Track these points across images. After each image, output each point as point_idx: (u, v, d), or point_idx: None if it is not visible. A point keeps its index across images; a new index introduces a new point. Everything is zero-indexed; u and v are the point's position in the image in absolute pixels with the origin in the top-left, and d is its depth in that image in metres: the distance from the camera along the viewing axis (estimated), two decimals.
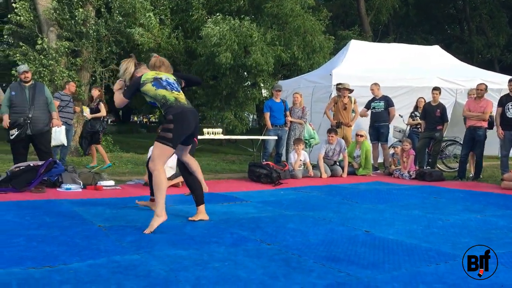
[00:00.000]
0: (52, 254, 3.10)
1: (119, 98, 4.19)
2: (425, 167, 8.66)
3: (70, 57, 11.96)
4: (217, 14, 12.85)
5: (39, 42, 11.36)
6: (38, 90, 6.80)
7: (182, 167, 4.53)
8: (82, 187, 6.25)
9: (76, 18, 11.36)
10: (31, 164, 6.10)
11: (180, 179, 6.42)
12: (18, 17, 11.49)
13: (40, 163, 6.14)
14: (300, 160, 8.21)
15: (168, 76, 4.16)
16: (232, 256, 3.20)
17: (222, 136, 8.54)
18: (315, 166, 8.50)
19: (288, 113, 9.07)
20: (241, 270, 2.90)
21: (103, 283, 2.59)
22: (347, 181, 7.77)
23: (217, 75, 14.06)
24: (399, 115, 9.75)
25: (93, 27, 11.72)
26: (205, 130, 7.96)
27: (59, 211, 4.66)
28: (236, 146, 15.73)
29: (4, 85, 13.93)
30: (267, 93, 15.50)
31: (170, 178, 6.41)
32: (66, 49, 11.51)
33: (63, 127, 7.71)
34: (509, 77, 8.90)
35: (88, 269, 2.82)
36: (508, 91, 7.77)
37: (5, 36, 17.71)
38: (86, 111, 8.79)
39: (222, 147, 17.56)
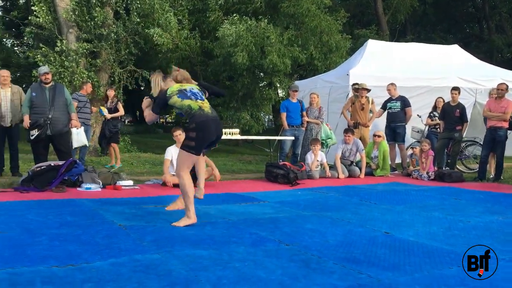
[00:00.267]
0: (74, 253, 3.14)
1: (149, 115, 4.44)
2: (444, 168, 8.55)
3: (89, 58, 12.10)
4: (234, 14, 12.89)
5: (59, 43, 11.52)
6: (58, 91, 6.90)
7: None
8: (102, 186, 6.32)
9: (95, 20, 11.49)
10: (52, 164, 6.19)
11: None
12: (38, 19, 11.67)
13: (60, 163, 6.23)
14: (317, 160, 8.18)
15: (192, 87, 4.36)
16: (251, 256, 3.20)
17: (239, 137, 8.57)
18: (332, 167, 8.46)
19: (304, 113, 9.05)
20: (261, 270, 2.91)
21: (124, 282, 2.62)
22: (365, 182, 7.72)
23: (233, 75, 14.11)
24: (418, 115, 9.65)
25: (112, 29, 11.84)
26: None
27: (80, 211, 4.72)
28: (252, 147, 15.73)
29: (24, 86, 14.16)
30: (283, 93, 15.50)
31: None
32: (85, 51, 11.65)
33: (82, 128, 7.81)
34: None
35: (110, 268, 2.85)
36: None
37: (25, 38, 18.03)
38: (105, 111, 8.88)
39: (238, 147, 17.59)
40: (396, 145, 9.13)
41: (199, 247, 3.40)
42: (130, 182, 6.63)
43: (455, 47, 12.42)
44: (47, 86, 6.82)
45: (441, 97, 9.34)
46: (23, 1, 23.00)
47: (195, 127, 4.10)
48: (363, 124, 9.07)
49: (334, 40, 13.73)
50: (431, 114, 9.41)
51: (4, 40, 19.54)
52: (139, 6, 12.06)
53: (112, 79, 12.69)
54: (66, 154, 6.78)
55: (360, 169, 8.37)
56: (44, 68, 7.05)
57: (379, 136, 8.68)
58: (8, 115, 7.18)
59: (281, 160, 8.71)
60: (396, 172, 9.04)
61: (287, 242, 3.62)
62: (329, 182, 7.56)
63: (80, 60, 11.57)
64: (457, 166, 9.22)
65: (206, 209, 4.96)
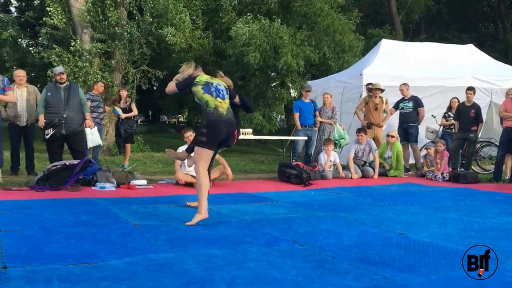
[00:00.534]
0: (90, 251, 3.17)
1: (171, 86, 4.48)
2: (459, 169, 8.46)
3: (103, 58, 12.21)
4: (248, 14, 12.90)
5: (73, 43, 11.64)
6: (73, 91, 6.96)
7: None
8: (116, 185, 6.36)
9: (110, 19, 11.58)
10: (67, 163, 6.25)
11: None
12: (52, 20, 11.80)
13: (75, 162, 6.29)
14: (330, 160, 8.15)
15: (219, 83, 4.44)
16: (265, 256, 3.20)
17: (252, 136, 8.57)
18: (345, 167, 8.42)
19: (317, 113, 9.02)
20: (276, 270, 2.90)
21: (140, 281, 2.63)
22: (378, 182, 7.67)
23: (246, 75, 14.12)
24: (432, 115, 9.57)
25: (126, 28, 11.93)
26: None
27: (95, 209, 4.76)
28: (264, 146, 15.74)
29: (39, 86, 14.32)
30: (296, 93, 15.47)
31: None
32: (99, 51, 11.75)
33: (96, 128, 7.87)
34: None
35: (126, 267, 2.87)
36: None
37: (40, 38, 18.22)
38: (120, 111, 8.94)
39: (250, 147, 17.60)
40: (409, 145, 9.06)
41: (213, 246, 3.41)
42: (144, 182, 6.67)
43: (470, 47, 12.29)
44: (62, 86, 6.89)
45: (456, 97, 9.25)
46: (38, 1, 23.27)
47: (206, 124, 4.23)
48: (376, 124, 9.01)
49: (347, 39, 13.66)
50: (446, 115, 9.32)
51: (20, 40, 19.77)
52: (152, 6, 12.14)
53: (126, 79, 12.79)
54: (81, 153, 6.85)
55: (374, 170, 8.32)
56: (59, 68, 7.13)
57: (392, 137, 8.62)
58: (24, 114, 7.28)
59: (294, 160, 8.70)
60: (410, 172, 8.97)
61: (301, 243, 3.61)
62: (343, 183, 7.53)
63: (94, 60, 11.68)
64: (472, 167, 9.11)
65: (219, 209, 4.97)
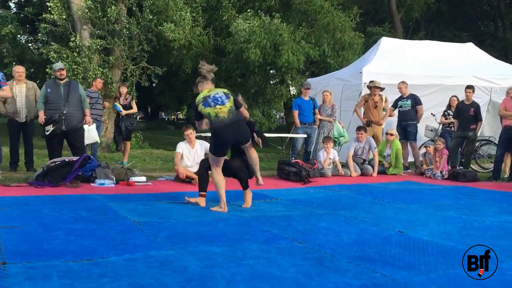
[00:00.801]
0: (90, 248, 3.17)
1: (197, 124, 4.97)
2: (458, 167, 8.47)
3: (103, 55, 12.18)
4: (248, 10, 12.88)
5: (72, 39, 11.61)
6: (73, 88, 6.94)
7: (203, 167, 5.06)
8: (115, 182, 6.37)
9: (109, 16, 11.56)
10: (66, 160, 6.25)
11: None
12: (52, 16, 11.77)
13: (75, 158, 6.29)
14: (330, 158, 8.15)
15: (217, 91, 4.70)
16: (265, 254, 3.20)
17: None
18: (345, 165, 8.43)
19: (317, 111, 9.01)
20: (275, 268, 2.91)
21: (140, 277, 2.63)
22: (378, 180, 7.67)
23: (246, 73, 14.10)
24: (431, 114, 9.57)
25: (124, 24, 11.90)
26: None
27: (94, 206, 4.76)
28: (264, 144, 15.72)
29: (38, 82, 14.29)
30: (295, 90, 15.46)
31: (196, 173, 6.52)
32: (98, 47, 11.72)
33: (94, 125, 7.85)
34: None
35: (125, 263, 2.87)
36: None
37: (39, 35, 18.18)
38: (120, 107, 8.92)
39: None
40: (408, 143, 9.06)
41: (213, 243, 3.41)
42: (143, 178, 6.67)
43: (470, 45, 12.28)
44: (61, 82, 6.87)
45: (455, 96, 9.25)
46: None
47: (212, 133, 4.73)
48: (376, 122, 9.01)
49: (347, 37, 13.65)
50: (445, 113, 9.32)
51: (19, 36, 19.70)
52: (152, 3, 12.11)
53: (125, 75, 12.76)
54: (80, 149, 6.84)
55: (373, 168, 8.33)
56: (59, 65, 7.11)
57: (391, 135, 8.62)
58: (23, 110, 7.26)
59: (293, 158, 8.70)
60: (409, 170, 8.98)
61: (300, 240, 3.61)
62: (342, 180, 7.53)
63: (93, 56, 11.65)
64: (471, 165, 9.12)
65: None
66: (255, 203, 5.10)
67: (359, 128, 8.51)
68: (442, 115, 9.38)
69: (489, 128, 10.08)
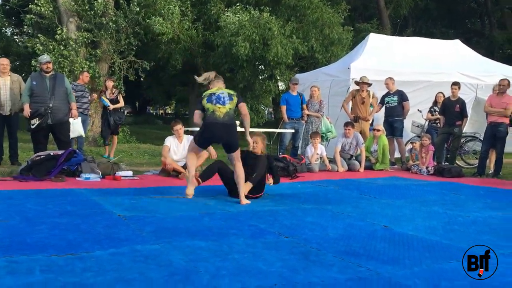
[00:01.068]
0: (74, 242, 3.14)
1: (194, 114, 5.13)
2: (443, 163, 8.56)
3: (89, 48, 12.05)
4: (237, 4, 12.83)
5: (59, 32, 11.46)
6: (59, 81, 6.87)
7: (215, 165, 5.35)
8: (101, 176, 6.31)
9: (96, 9, 11.43)
10: (51, 153, 6.18)
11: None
12: (39, 8, 11.61)
13: (60, 152, 6.23)
14: (317, 153, 8.18)
15: (223, 91, 4.95)
16: (251, 248, 3.20)
17: (239, 129, 8.51)
18: (332, 160, 8.46)
19: (305, 106, 9.03)
20: (261, 262, 2.90)
21: (125, 272, 2.61)
22: (364, 176, 7.72)
23: (234, 67, 14.07)
24: (418, 110, 9.64)
25: (112, 18, 11.78)
26: None
27: (79, 200, 4.72)
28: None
29: (24, 75, 14.11)
30: (284, 86, 15.47)
31: (183, 167, 6.55)
32: (85, 40, 11.60)
33: (79, 118, 7.78)
34: None
35: (110, 258, 2.85)
36: None
37: (25, 27, 17.92)
38: (108, 101, 8.84)
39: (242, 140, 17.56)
40: (395, 139, 9.13)
41: (199, 238, 3.40)
42: (130, 173, 6.63)
43: (457, 42, 12.40)
44: (47, 75, 6.79)
45: (441, 92, 9.33)
46: None
47: (202, 125, 4.94)
48: (363, 118, 9.05)
49: (336, 32, 13.68)
50: (432, 109, 9.40)
51: (4, 28, 19.41)
52: None
53: (112, 69, 12.65)
54: (66, 143, 6.77)
55: (360, 163, 8.37)
56: (46, 57, 7.01)
57: (378, 130, 8.67)
58: (8, 103, 7.16)
59: (281, 153, 8.71)
60: (396, 166, 9.04)
61: (286, 235, 3.61)
62: (329, 176, 7.56)
63: (79, 49, 11.53)
64: (457, 161, 9.22)
65: (205, 201, 4.97)
66: None
67: (346, 124, 8.54)
68: (428, 111, 9.46)
69: (474, 125, 10.18)
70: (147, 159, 9.37)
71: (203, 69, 15.45)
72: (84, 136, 8.45)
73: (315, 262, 2.95)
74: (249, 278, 2.60)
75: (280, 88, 15.85)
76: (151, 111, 48.16)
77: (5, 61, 7.34)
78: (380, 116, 9.48)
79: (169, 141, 6.90)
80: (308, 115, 9.04)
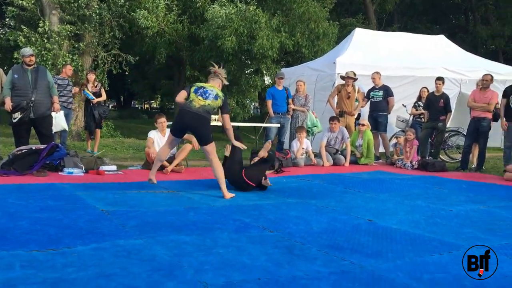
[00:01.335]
0: (55, 237, 3.10)
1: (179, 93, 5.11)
2: (427, 158, 8.64)
3: (73, 41, 11.88)
4: None
5: (41, 25, 11.27)
6: (41, 74, 6.74)
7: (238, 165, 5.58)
8: (84, 171, 6.24)
9: (79, 1, 11.26)
10: (33, 148, 6.09)
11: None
12: (20, 1, 11.39)
13: (42, 146, 6.13)
14: (303, 148, 8.19)
15: (213, 89, 4.99)
16: (235, 243, 3.19)
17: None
18: (317, 155, 8.48)
19: (290, 100, 9.02)
20: (245, 256, 2.90)
21: (107, 267, 2.58)
22: (349, 170, 7.75)
23: (220, 61, 13.99)
24: (403, 105, 9.71)
25: (96, 11, 11.62)
26: None
27: (62, 195, 4.65)
28: (238, 134, 15.69)
29: (5, 68, 13.85)
30: (270, 80, 15.45)
31: (168, 161, 6.55)
32: (68, 33, 11.42)
33: (62, 112, 7.66)
34: None
35: (92, 253, 2.82)
36: None
37: (7, 19, 17.57)
38: (91, 95, 8.72)
39: (223, 134, 17.54)
40: (379, 134, 9.18)
41: (183, 232, 3.38)
42: (114, 167, 6.56)
43: (441, 38, 12.51)
44: (29, 68, 6.67)
45: (425, 87, 9.41)
46: None
47: (178, 111, 5.08)
48: (348, 113, 9.08)
49: (321, 27, 13.68)
50: (416, 104, 9.47)
51: None
52: None
53: (96, 62, 12.49)
54: (48, 137, 6.67)
55: (345, 157, 8.40)
56: (28, 50, 6.87)
57: (363, 125, 8.71)
58: None
59: None
60: (380, 161, 9.10)
61: (271, 229, 3.62)
62: (314, 170, 7.58)
63: (63, 42, 11.35)
64: (440, 155, 9.32)
65: (189, 195, 4.95)
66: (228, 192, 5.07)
67: (332, 119, 8.57)
68: (412, 106, 9.53)
69: (458, 119, 10.29)
70: (132, 154, 9.29)
71: (188, 64, 15.39)
72: (67, 130, 8.34)
73: (299, 256, 2.96)
74: (233, 272, 2.60)
75: (266, 82, 15.83)
76: (136, 105, 47.78)
77: None
78: (366, 110, 9.52)
79: (153, 134, 6.89)
80: (293, 109, 9.04)
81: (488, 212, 4.54)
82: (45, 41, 11.17)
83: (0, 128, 7.45)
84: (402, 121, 9.75)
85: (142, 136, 13.18)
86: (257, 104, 21.73)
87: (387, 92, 9.07)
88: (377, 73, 9.19)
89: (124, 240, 3.11)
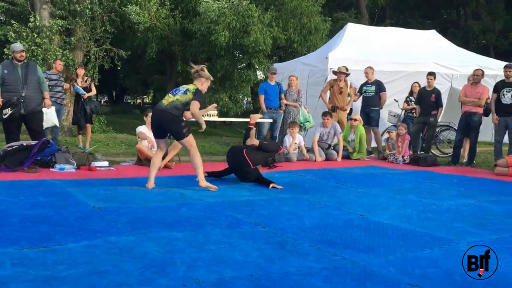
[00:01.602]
0: (46, 234, 3.08)
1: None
2: (419, 152, 8.68)
3: (64, 36, 11.77)
4: None
5: (32, 19, 11.15)
6: (31, 69, 6.68)
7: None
8: (76, 167, 6.21)
9: None
10: (24, 144, 6.04)
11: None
12: None
13: (33, 142, 6.08)
14: (295, 143, 8.20)
15: (184, 86, 5.16)
16: (227, 239, 3.19)
17: (217, 119, 8.49)
18: (310, 150, 8.49)
19: (283, 96, 9.01)
20: (237, 252, 2.90)
21: (99, 264, 2.58)
22: (342, 165, 7.77)
23: (212, 56, 13.95)
24: (395, 99, 9.74)
25: (86, 5, 11.51)
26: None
27: (53, 191, 4.63)
28: (230, 129, 15.68)
29: None
30: (262, 75, 15.43)
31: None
32: (59, 28, 11.31)
33: (53, 108, 7.61)
34: (504, 63, 8.89)
35: (83, 250, 2.81)
36: (503, 77, 7.76)
37: None
38: (82, 90, 8.65)
39: (216, 129, 17.51)
40: (371, 129, 9.21)
41: (175, 229, 3.38)
42: (105, 163, 6.53)
43: (433, 33, 12.54)
44: (19, 63, 6.60)
45: (417, 82, 9.44)
46: None
47: None
48: (340, 108, 9.09)
49: (313, 22, 13.67)
50: (408, 99, 9.50)
51: None
52: None
53: (88, 57, 12.39)
54: (39, 133, 6.62)
55: (337, 152, 8.42)
56: (19, 46, 6.79)
57: (355, 120, 8.73)
58: None
59: None
60: (372, 155, 9.13)
61: (263, 225, 3.62)
62: (307, 165, 7.59)
63: (53, 37, 11.24)
64: (432, 150, 9.37)
65: (181, 191, 4.94)
66: (220, 188, 5.08)
67: (325, 114, 8.57)
68: (404, 101, 9.56)
69: (449, 114, 10.34)
70: (124, 149, 9.25)
71: (180, 59, 15.30)
72: (58, 126, 8.28)
73: (291, 251, 2.97)
74: (225, 269, 2.60)
75: (259, 77, 15.80)
76: (129, 100, 47.48)
77: None
78: (358, 105, 9.54)
79: (142, 128, 6.95)
80: (286, 104, 9.03)
81: (479, 207, 4.57)
82: (36, 36, 11.05)
83: None
84: (394, 116, 9.78)
85: (134, 131, 13.05)
86: (249, 99, 21.68)
87: (380, 87, 9.09)
88: (370, 68, 9.21)
89: (115, 237, 3.11)
